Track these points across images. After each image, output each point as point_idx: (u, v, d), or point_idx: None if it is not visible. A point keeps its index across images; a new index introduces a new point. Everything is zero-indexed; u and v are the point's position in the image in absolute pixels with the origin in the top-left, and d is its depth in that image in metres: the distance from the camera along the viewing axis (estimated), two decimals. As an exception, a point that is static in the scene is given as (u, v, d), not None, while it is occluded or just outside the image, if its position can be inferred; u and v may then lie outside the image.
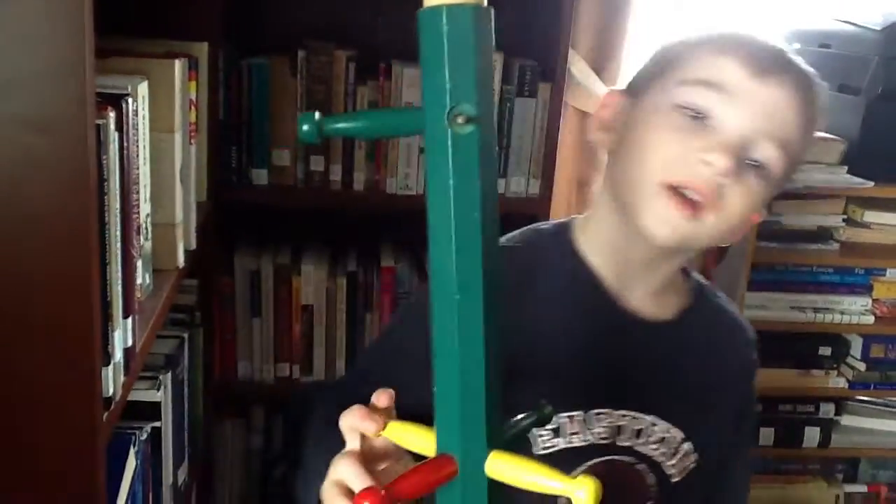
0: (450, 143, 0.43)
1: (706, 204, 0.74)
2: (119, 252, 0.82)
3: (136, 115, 0.93)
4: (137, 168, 0.94)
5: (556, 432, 0.82)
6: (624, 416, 0.83)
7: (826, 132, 1.71)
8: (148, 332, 0.97)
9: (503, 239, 0.89)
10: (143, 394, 1.10)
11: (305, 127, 0.45)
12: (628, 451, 0.83)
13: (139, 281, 0.96)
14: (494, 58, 1.72)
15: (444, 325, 0.46)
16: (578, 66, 1.86)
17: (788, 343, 1.73)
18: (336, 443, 0.63)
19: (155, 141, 1.05)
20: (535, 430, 0.81)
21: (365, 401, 0.63)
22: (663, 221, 0.75)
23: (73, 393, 0.72)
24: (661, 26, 2.08)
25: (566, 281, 0.84)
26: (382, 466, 0.62)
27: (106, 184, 0.77)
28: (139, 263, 0.95)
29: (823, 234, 1.72)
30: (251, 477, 1.85)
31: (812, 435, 1.77)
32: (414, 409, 0.84)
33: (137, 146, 0.93)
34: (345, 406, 0.65)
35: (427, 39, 0.42)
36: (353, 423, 0.60)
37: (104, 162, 0.76)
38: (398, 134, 0.49)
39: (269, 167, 1.66)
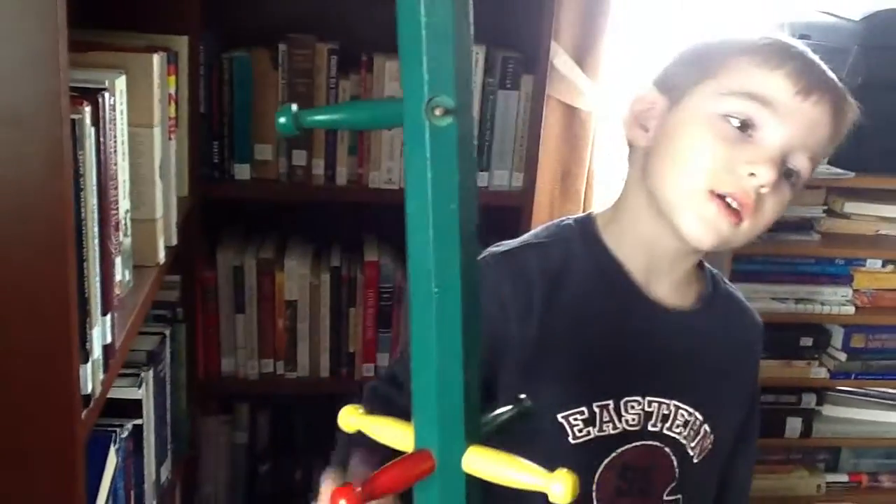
0: (427, 135, 0.42)
1: (745, 212, 0.78)
2: (97, 248, 0.81)
3: (114, 109, 0.92)
4: (115, 163, 0.93)
5: (589, 422, 0.85)
6: (652, 402, 0.86)
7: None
8: (128, 329, 0.97)
9: (530, 236, 0.93)
10: (124, 391, 1.10)
11: (283, 120, 0.45)
12: (657, 435, 0.87)
13: (118, 277, 0.95)
14: (476, 50, 1.71)
15: (422, 319, 0.46)
16: (561, 59, 1.86)
17: (770, 334, 1.71)
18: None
19: (133, 136, 1.04)
20: (569, 420, 0.85)
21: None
22: (709, 228, 0.79)
23: (50, 390, 0.72)
24: (643, 19, 2.09)
25: (595, 273, 0.87)
26: None
27: (82, 179, 0.76)
28: (118, 260, 0.95)
29: (804, 225, 1.73)
30: (236, 473, 1.84)
31: (794, 425, 1.78)
32: None
33: (115, 141, 0.93)
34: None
35: (405, 29, 0.42)
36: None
37: (80, 157, 0.76)
38: (377, 126, 0.49)
39: (251, 161, 1.65)
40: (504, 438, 0.88)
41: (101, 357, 0.83)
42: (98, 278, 0.82)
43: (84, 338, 0.77)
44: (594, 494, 0.86)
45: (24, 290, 0.69)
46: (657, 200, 0.83)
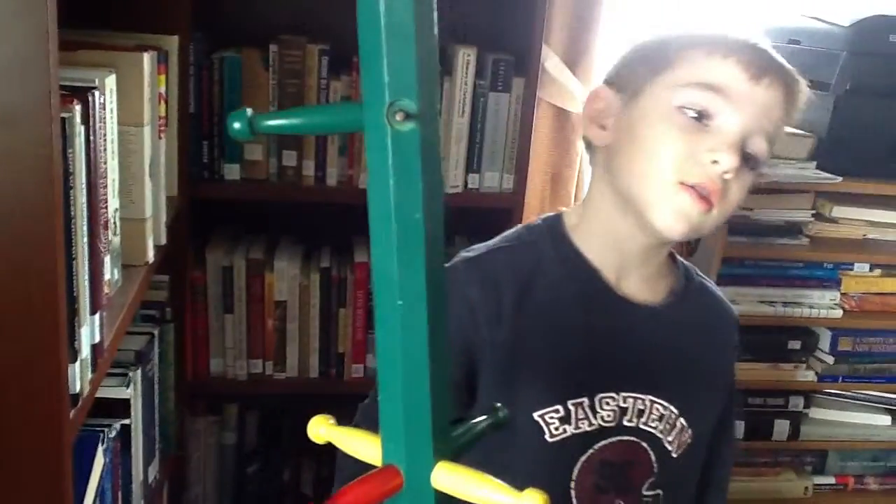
0: (389, 140, 0.40)
1: (712, 199, 0.80)
2: (86, 247, 0.81)
3: (104, 108, 0.92)
4: (105, 162, 0.93)
5: (565, 420, 0.85)
6: (627, 398, 0.87)
7: (795, 128, 1.73)
8: (117, 329, 0.96)
9: (500, 239, 0.93)
10: (112, 391, 1.09)
11: (237, 125, 0.42)
12: (633, 430, 0.88)
13: (107, 276, 0.95)
14: (468, 52, 1.70)
15: (387, 332, 0.44)
16: (552, 61, 1.87)
17: (758, 337, 1.74)
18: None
19: (123, 135, 1.04)
20: (544, 418, 0.85)
21: None
22: (681, 217, 0.80)
23: (38, 389, 0.71)
24: (634, 21, 2.09)
25: (564, 273, 0.88)
26: None
27: (72, 177, 0.76)
28: (107, 259, 0.94)
29: (792, 229, 1.74)
30: (224, 474, 1.84)
31: (782, 428, 1.79)
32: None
33: (105, 140, 0.92)
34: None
35: (364, 30, 0.40)
36: None
37: (70, 155, 0.75)
38: (336, 130, 0.47)
39: (241, 162, 1.65)
40: (483, 440, 0.88)
41: (89, 356, 0.82)
42: (87, 277, 0.82)
43: (73, 337, 0.77)
44: (573, 492, 0.86)
45: (12, 289, 0.69)
46: (625, 197, 0.84)
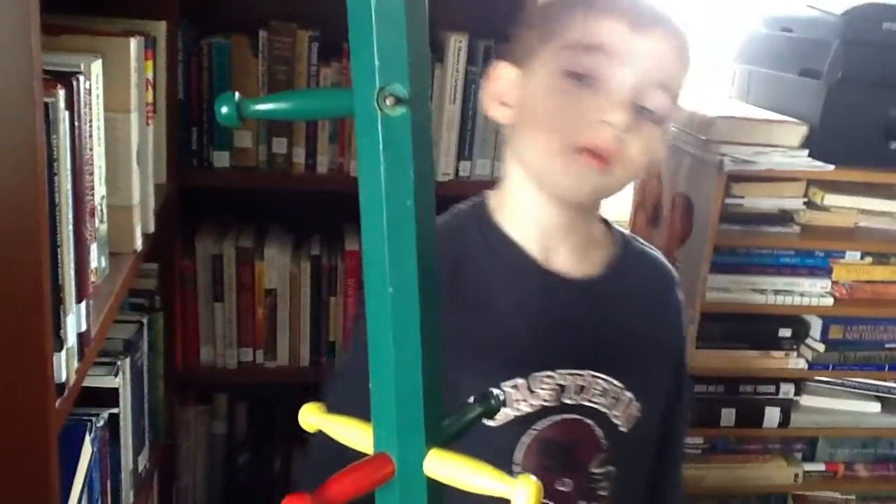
0: (380, 126, 0.40)
1: (610, 157, 0.78)
2: (71, 235, 0.80)
3: (89, 93, 0.90)
4: (91, 149, 0.92)
5: (504, 403, 0.83)
6: (565, 375, 0.85)
7: (787, 115, 1.72)
8: (104, 317, 0.95)
9: (452, 220, 0.92)
10: (100, 380, 1.08)
11: (224, 109, 0.41)
12: (574, 408, 0.86)
13: (94, 264, 0.94)
14: (459, 39, 1.69)
15: (378, 319, 0.44)
16: (543, 49, 1.86)
17: (749, 325, 1.74)
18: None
19: (110, 121, 1.03)
20: None
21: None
22: (579, 179, 0.80)
23: (23, 378, 0.71)
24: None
25: (491, 255, 0.88)
26: None
27: (56, 164, 0.75)
28: (94, 247, 0.93)
29: (784, 217, 1.73)
30: (214, 463, 1.83)
31: (772, 415, 1.79)
32: None
33: (91, 126, 0.91)
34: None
35: (355, 12, 0.39)
36: None
37: (54, 142, 0.74)
38: (326, 115, 0.46)
39: (230, 149, 1.63)
40: None
41: (75, 345, 0.81)
42: (72, 265, 0.81)
43: (58, 325, 0.76)
44: (517, 475, 0.84)
45: (-5, 277, 0.68)
46: (528, 170, 0.84)
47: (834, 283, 1.74)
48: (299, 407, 0.54)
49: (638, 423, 0.89)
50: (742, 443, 1.88)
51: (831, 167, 1.65)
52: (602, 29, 0.79)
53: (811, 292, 1.73)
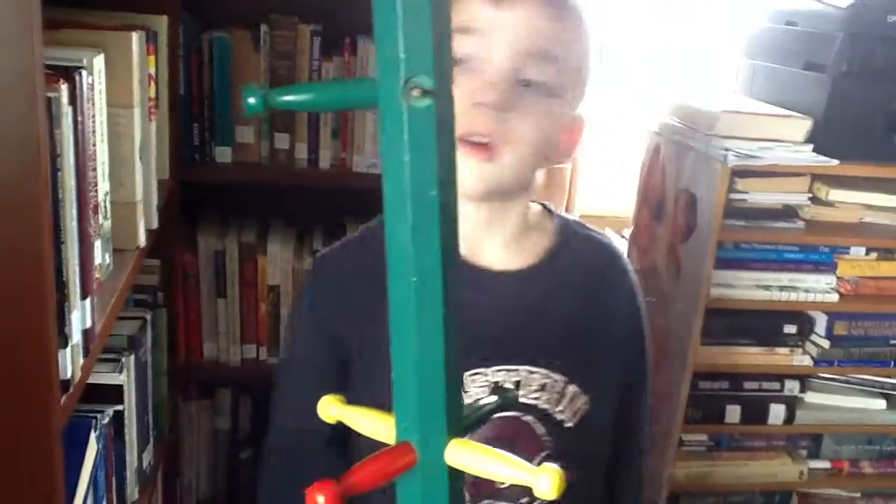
0: (405, 117, 0.40)
1: (495, 142, 0.75)
2: (75, 231, 0.79)
3: (92, 88, 0.89)
4: (94, 144, 0.91)
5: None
6: (498, 371, 0.83)
7: (792, 110, 1.71)
8: (108, 314, 0.95)
9: (359, 231, 0.93)
10: (104, 376, 1.08)
11: (251, 100, 0.42)
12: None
13: (98, 261, 0.93)
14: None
15: (401, 309, 0.44)
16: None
17: (754, 321, 1.74)
18: None
19: (112, 116, 1.02)
20: None
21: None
22: (467, 173, 0.75)
23: (28, 376, 0.70)
24: (628, 3, 2.07)
25: None
26: None
27: (59, 159, 0.74)
28: (98, 243, 0.93)
29: (788, 213, 1.72)
30: (217, 459, 1.83)
31: (777, 412, 1.79)
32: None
33: (94, 121, 0.90)
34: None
35: (380, 4, 0.40)
36: None
37: (57, 137, 0.73)
38: (350, 107, 0.47)
39: (232, 144, 1.63)
40: (355, 435, 0.89)
41: (80, 342, 0.81)
42: (76, 262, 0.80)
43: (62, 322, 0.75)
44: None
45: (0, 274, 0.67)
46: None
47: (839, 278, 1.74)
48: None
49: (586, 417, 0.85)
50: (747, 439, 1.88)
51: (836, 162, 1.64)
52: (467, 9, 0.77)
53: (816, 288, 1.73)
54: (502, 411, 0.58)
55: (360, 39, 1.61)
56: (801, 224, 1.73)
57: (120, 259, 1.07)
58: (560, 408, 0.84)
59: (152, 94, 1.23)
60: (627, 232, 2.05)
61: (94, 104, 0.90)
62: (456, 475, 0.47)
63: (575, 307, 0.86)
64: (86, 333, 0.84)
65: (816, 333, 1.78)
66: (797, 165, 1.66)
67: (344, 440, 0.87)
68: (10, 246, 0.67)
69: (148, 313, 1.30)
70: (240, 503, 1.83)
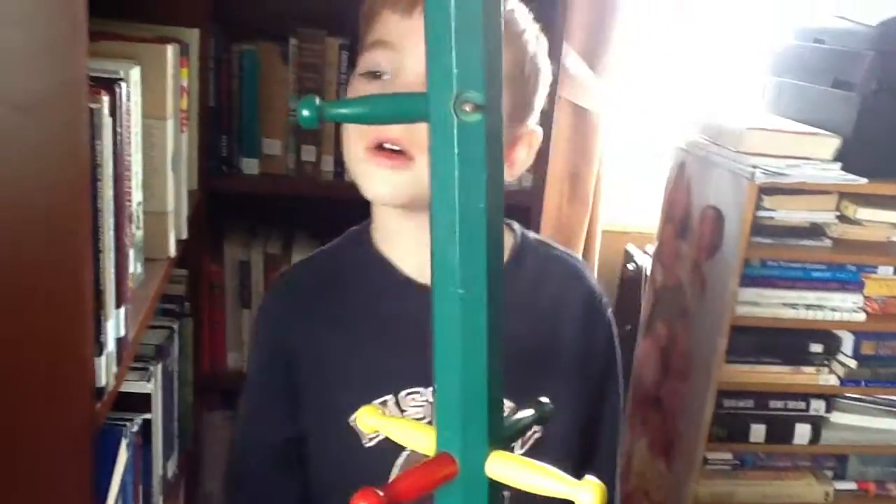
0: (455, 131, 0.41)
1: (408, 149, 0.75)
2: (112, 240, 0.80)
3: (129, 100, 0.90)
4: (129, 155, 0.92)
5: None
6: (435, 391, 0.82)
7: (819, 127, 1.70)
8: (139, 323, 0.95)
9: (318, 250, 0.95)
10: (133, 385, 1.08)
11: (306, 112, 0.43)
12: None
13: (131, 270, 0.93)
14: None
15: (446, 321, 0.45)
16: (572, 59, 1.85)
17: (780, 339, 1.73)
18: None
19: (147, 127, 1.03)
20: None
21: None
22: (379, 182, 0.77)
23: (65, 383, 0.70)
24: (654, 21, 2.07)
25: (365, 274, 0.88)
26: None
27: (99, 169, 0.75)
28: (131, 252, 0.93)
29: (816, 231, 1.71)
30: (238, 470, 1.82)
31: (802, 432, 1.77)
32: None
33: (130, 132, 0.91)
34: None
35: (433, 21, 0.41)
36: None
37: (97, 147, 0.74)
38: (401, 120, 0.47)
39: (259, 156, 1.64)
40: (312, 447, 0.86)
41: (114, 350, 0.81)
42: (113, 271, 0.80)
43: (98, 331, 0.76)
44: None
45: (41, 282, 0.68)
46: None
47: (866, 298, 1.72)
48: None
49: (538, 445, 0.83)
50: (771, 459, 1.86)
51: (864, 180, 1.63)
52: (383, 21, 0.79)
53: (843, 307, 1.71)
54: (540, 424, 0.58)
55: (388, 53, 1.61)
56: (828, 242, 1.72)
57: (151, 268, 1.08)
58: None
59: (184, 105, 1.24)
60: (651, 248, 2.04)
61: (130, 115, 0.91)
62: (496, 488, 0.47)
63: (522, 326, 0.80)
64: (119, 342, 0.84)
65: (843, 353, 1.76)
66: (825, 183, 1.65)
67: (297, 459, 0.89)
68: (51, 253, 0.68)
69: (175, 323, 1.30)
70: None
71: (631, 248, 2.16)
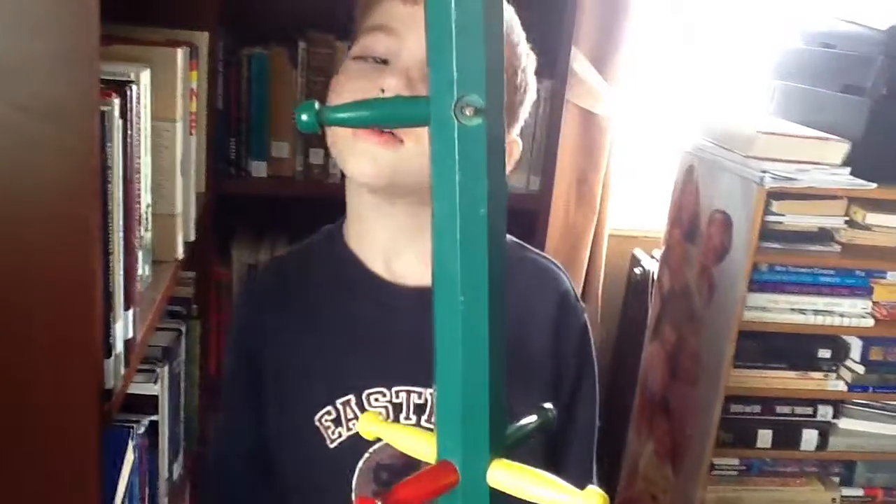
0: (456, 135, 0.41)
1: (398, 133, 0.76)
2: (121, 242, 0.80)
3: (139, 102, 0.91)
4: (139, 157, 0.92)
5: (337, 421, 0.82)
6: (399, 392, 0.81)
7: (827, 132, 1.70)
8: (147, 325, 0.95)
9: (289, 249, 0.95)
10: (140, 387, 1.09)
11: (304, 117, 0.43)
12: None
13: (139, 272, 0.94)
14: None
15: (447, 328, 0.45)
16: (580, 63, 1.85)
17: (788, 344, 1.72)
18: None
19: (157, 130, 1.03)
20: (322, 422, 0.82)
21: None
22: (364, 157, 0.76)
23: (74, 385, 0.71)
24: (663, 25, 2.07)
25: (331, 271, 0.87)
26: None
27: (109, 171, 0.75)
28: (140, 254, 0.94)
29: (824, 236, 1.71)
30: (245, 472, 1.83)
31: (810, 437, 1.76)
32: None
33: (140, 135, 0.91)
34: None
35: (434, 24, 0.41)
36: None
37: (108, 149, 0.74)
38: (402, 125, 0.47)
39: (267, 159, 1.64)
40: (278, 447, 0.86)
41: (122, 352, 0.82)
42: (122, 272, 0.81)
43: (107, 332, 0.76)
44: (354, 501, 0.80)
45: (50, 283, 0.68)
46: (338, 164, 0.82)
47: (875, 303, 1.72)
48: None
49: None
50: (778, 465, 1.85)
51: (873, 185, 1.63)
52: (383, 7, 0.79)
53: (851, 313, 1.71)
54: (544, 431, 0.58)
55: (396, 57, 1.62)
56: (837, 247, 1.71)
57: (158, 270, 1.08)
58: None
59: (193, 108, 1.24)
60: (658, 252, 2.04)
61: (140, 118, 0.91)
62: (497, 497, 0.47)
63: None
64: (127, 344, 0.85)
65: (851, 358, 1.75)
66: (834, 188, 1.65)
67: (266, 464, 0.88)
68: (61, 255, 0.68)
69: (182, 325, 1.31)
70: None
71: (638, 252, 2.16)
